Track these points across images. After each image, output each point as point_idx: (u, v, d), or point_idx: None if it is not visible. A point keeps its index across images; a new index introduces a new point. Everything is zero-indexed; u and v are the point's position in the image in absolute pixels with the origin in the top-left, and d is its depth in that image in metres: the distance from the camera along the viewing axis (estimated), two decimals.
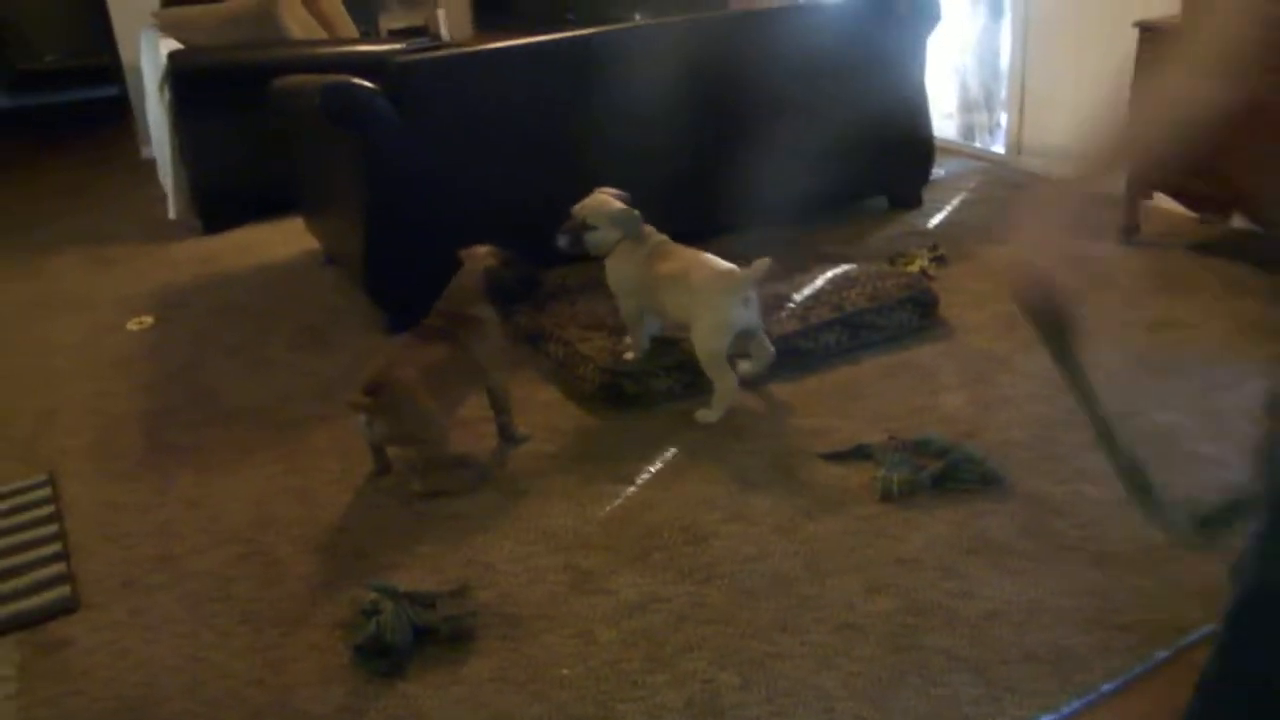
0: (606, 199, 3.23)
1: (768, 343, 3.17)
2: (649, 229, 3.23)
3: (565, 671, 2.18)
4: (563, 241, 3.20)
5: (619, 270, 3.24)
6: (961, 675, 2.08)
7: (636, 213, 3.21)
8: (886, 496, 2.64)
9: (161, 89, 5.19)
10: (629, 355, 3.29)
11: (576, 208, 3.23)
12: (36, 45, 13.24)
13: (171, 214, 5.48)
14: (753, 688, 2.09)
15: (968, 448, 2.75)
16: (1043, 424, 2.90)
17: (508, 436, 3.07)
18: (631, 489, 2.79)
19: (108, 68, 7.52)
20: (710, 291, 3.01)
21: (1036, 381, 3.11)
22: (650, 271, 3.16)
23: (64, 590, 2.58)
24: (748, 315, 3.05)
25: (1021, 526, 2.50)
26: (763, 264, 2.98)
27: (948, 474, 2.67)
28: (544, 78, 3.90)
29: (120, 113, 7.86)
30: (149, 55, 5.48)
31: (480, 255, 3.05)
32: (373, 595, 2.34)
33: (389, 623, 2.24)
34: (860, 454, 2.82)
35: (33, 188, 6.87)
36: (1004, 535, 2.48)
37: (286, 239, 5.08)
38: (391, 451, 2.96)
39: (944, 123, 5.62)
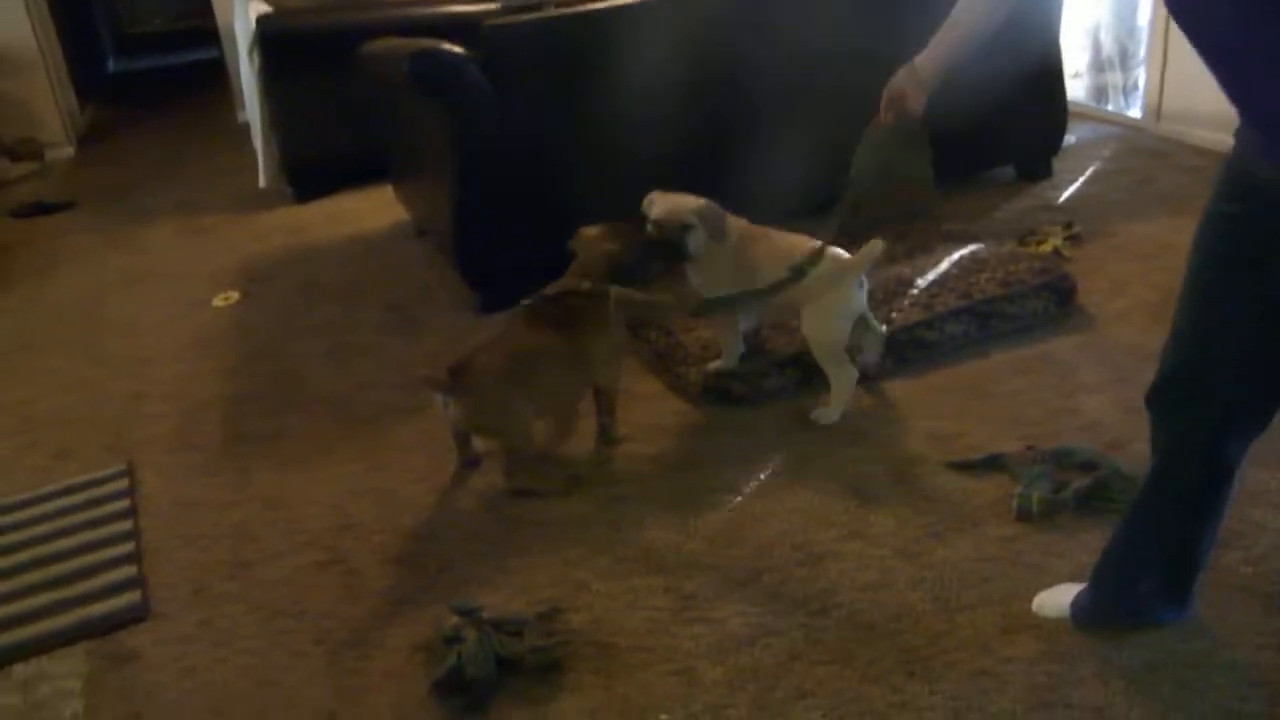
0: (678, 196, 2.86)
1: (877, 324, 2.91)
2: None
3: (664, 716, 1.95)
4: (656, 256, 2.85)
5: (712, 271, 2.88)
6: None
7: (714, 204, 2.86)
8: (1024, 516, 2.35)
9: (251, 54, 5.05)
10: (714, 365, 2.98)
11: (656, 214, 2.83)
12: (144, 9, 13.39)
13: (262, 182, 5.37)
14: None
15: (1117, 461, 2.44)
16: None
17: (607, 439, 2.84)
18: (739, 498, 2.55)
19: (211, 30, 7.45)
20: (827, 276, 2.74)
21: None
22: (746, 259, 2.85)
23: (134, 596, 2.44)
24: (864, 300, 2.79)
25: None
26: (877, 246, 2.72)
27: (1094, 492, 2.36)
28: (647, 40, 3.62)
29: (219, 76, 7.80)
30: (241, 18, 5.35)
31: (593, 239, 2.81)
32: (455, 619, 2.14)
33: (471, 654, 2.04)
34: (993, 464, 2.54)
35: (132, 153, 6.86)
36: None
37: (377, 209, 4.92)
38: (481, 444, 2.76)
39: (1072, 83, 5.19)
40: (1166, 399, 1.82)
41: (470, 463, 2.77)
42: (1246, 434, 1.75)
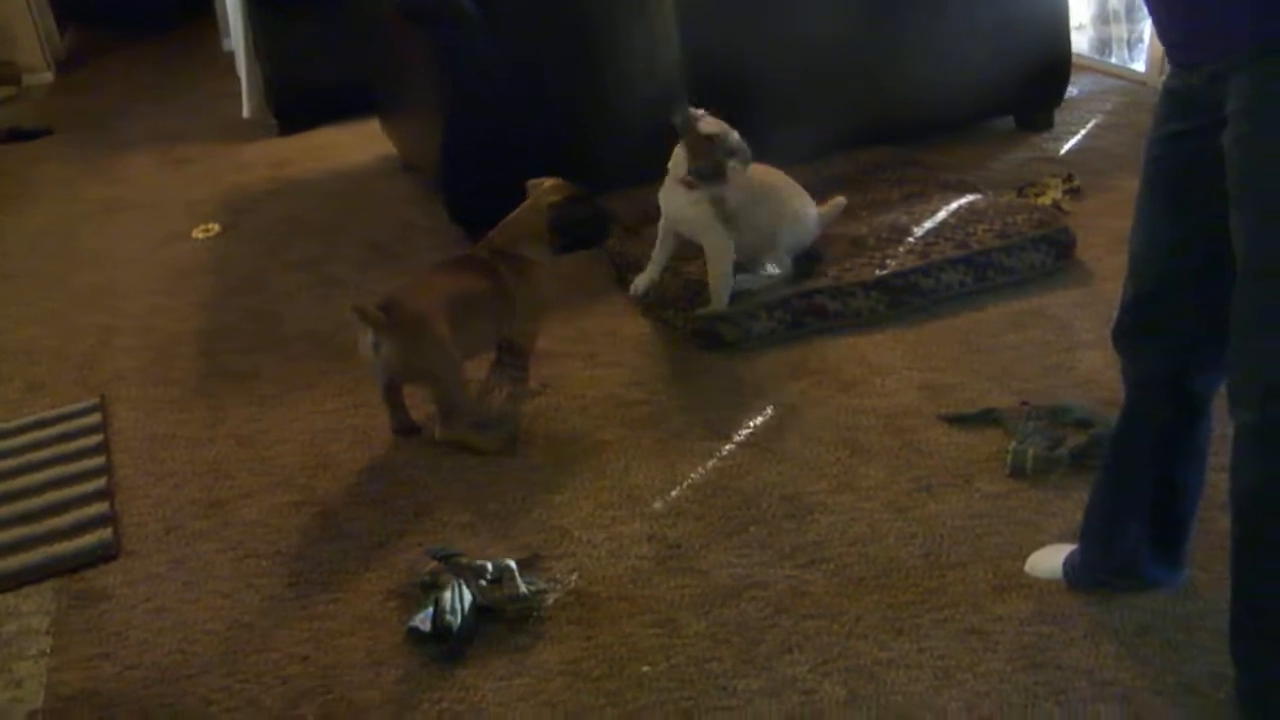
0: (717, 120, 2.88)
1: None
2: None
3: (646, 668, 1.90)
4: (705, 174, 2.83)
5: (738, 198, 2.90)
6: (1108, 706, 1.76)
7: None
8: (1017, 473, 2.30)
9: None
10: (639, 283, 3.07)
11: (709, 128, 2.84)
12: None
13: (245, 112, 5.23)
14: (860, 705, 1.80)
15: (1114, 420, 2.38)
16: None
17: (517, 390, 2.76)
18: (729, 446, 2.49)
19: None
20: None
21: None
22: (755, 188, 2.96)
23: (105, 534, 2.38)
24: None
25: None
26: (839, 204, 3.08)
27: (1090, 450, 2.30)
28: None
29: (206, 2, 7.60)
30: None
31: (546, 189, 2.73)
32: (432, 564, 2.09)
33: (449, 601, 1.98)
34: (987, 418, 2.48)
35: (112, 80, 6.69)
36: None
37: (363, 143, 4.81)
38: (416, 411, 2.65)
39: (1075, 35, 5.08)
40: (1129, 332, 1.81)
41: (407, 429, 2.62)
42: (1213, 367, 1.69)
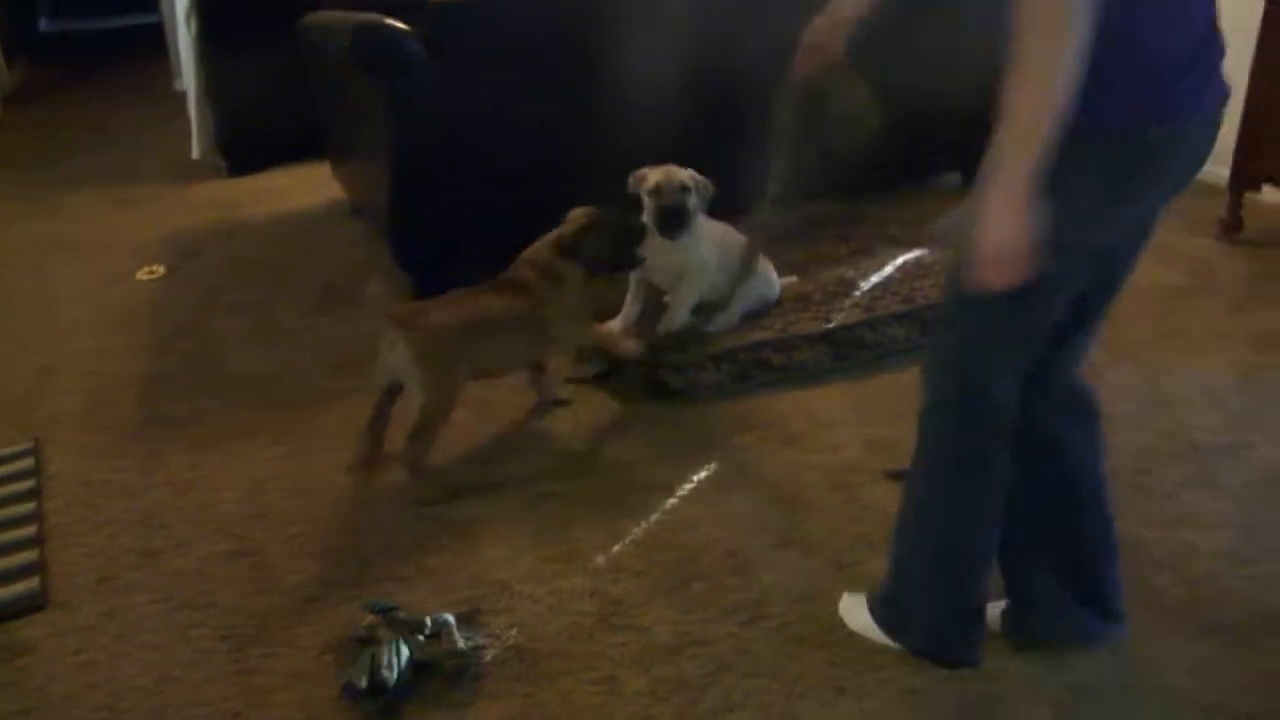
0: (667, 166, 3.00)
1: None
2: None
3: None
4: (668, 216, 2.95)
5: (709, 242, 3.05)
6: None
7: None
8: None
9: (189, 18, 4.88)
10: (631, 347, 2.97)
11: (655, 181, 2.98)
12: None
13: (195, 153, 5.20)
14: None
15: None
16: (1142, 454, 2.55)
17: (546, 398, 2.90)
18: (672, 500, 2.48)
19: None
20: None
21: (1135, 401, 2.76)
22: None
23: (33, 584, 2.31)
24: None
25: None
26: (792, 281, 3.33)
27: None
28: (595, 21, 3.51)
29: (158, 42, 7.56)
30: None
31: (575, 216, 2.79)
32: (370, 618, 2.05)
33: (385, 656, 1.95)
34: None
35: (61, 118, 6.63)
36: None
37: (312, 186, 4.79)
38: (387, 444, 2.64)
39: None
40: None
41: (369, 460, 2.60)
42: (1010, 372, 1.76)
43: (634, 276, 3.07)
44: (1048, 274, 1.55)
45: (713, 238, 3.05)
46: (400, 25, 3.30)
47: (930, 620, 1.93)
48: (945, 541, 1.87)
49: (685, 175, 2.97)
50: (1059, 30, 1.39)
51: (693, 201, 2.96)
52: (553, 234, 2.77)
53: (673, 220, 2.94)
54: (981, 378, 1.75)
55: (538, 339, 2.74)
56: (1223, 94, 1.60)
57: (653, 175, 2.97)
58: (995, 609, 2.02)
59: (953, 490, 1.84)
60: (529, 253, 2.76)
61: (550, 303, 2.69)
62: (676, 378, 2.86)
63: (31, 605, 2.26)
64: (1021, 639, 1.99)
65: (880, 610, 2.00)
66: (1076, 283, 1.70)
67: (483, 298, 2.66)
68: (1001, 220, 1.49)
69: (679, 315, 3.01)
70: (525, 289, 2.68)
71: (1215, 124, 1.62)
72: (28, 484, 2.68)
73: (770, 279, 3.15)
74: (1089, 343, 1.85)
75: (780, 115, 2.69)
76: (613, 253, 2.79)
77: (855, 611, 2.07)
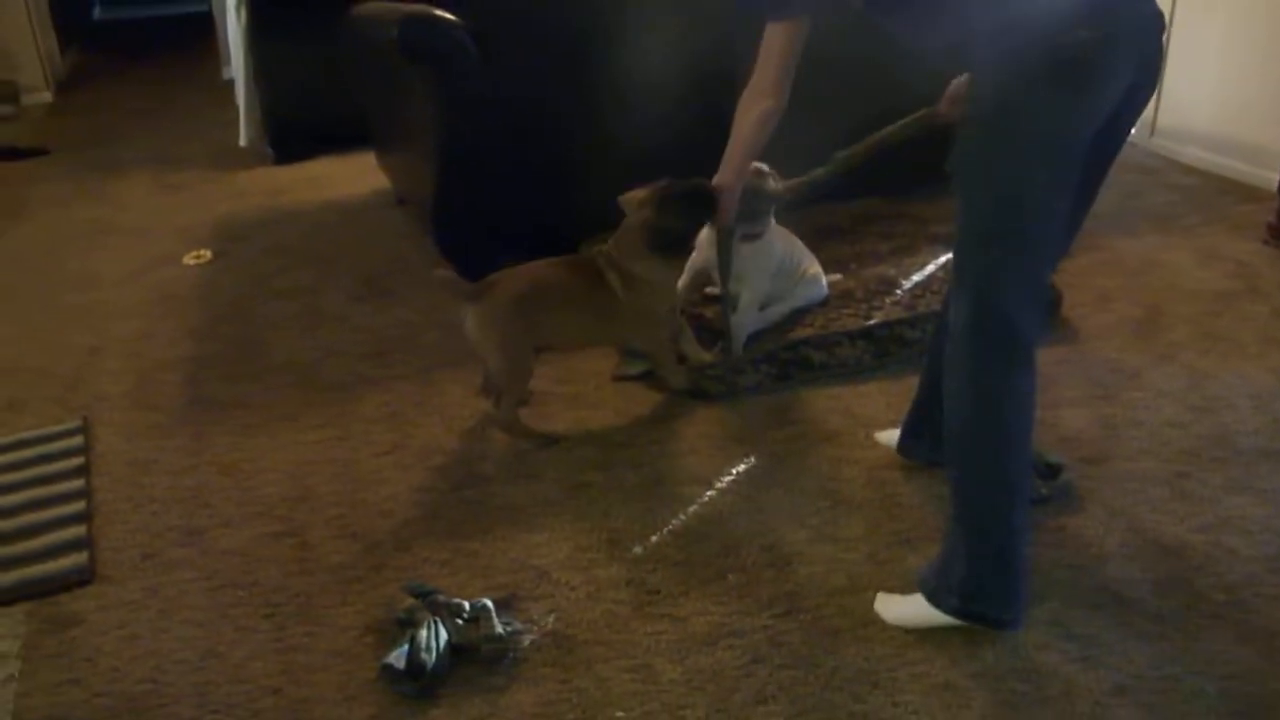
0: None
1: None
2: None
3: (620, 714, 1.89)
4: (743, 221, 2.75)
5: (773, 248, 2.96)
6: None
7: None
8: None
9: (239, 8, 4.94)
10: (706, 357, 2.91)
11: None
12: None
13: (242, 141, 5.26)
14: None
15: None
16: (1182, 456, 2.54)
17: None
18: (710, 493, 2.49)
19: None
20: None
21: (1173, 403, 2.74)
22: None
23: (80, 558, 2.36)
24: None
25: (1155, 581, 2.15)
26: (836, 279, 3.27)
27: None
28: (642, 13, 3.52)
29: (208, 30, 7.66)
30: None
31: (638, 201, 2.73)
32: (409, 601, 2.08)
33: (424, 639, 1.97)
34: None
35: (112, 104, 6.72)
36: (1134, 590, 2.13)
37: (358, 175, 4.83)
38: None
39: None
40: None
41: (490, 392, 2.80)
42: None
43: (694, 265, 2.97)
44: (1042, 181, 1.82)
45: (782, 238, 3.02)
46: (448, 16, 3.33)
47: (968, 574, 1.96)
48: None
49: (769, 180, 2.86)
50: None
51: (770, 183, 2.85)
52: (626, 229, 2.73)
53: (749, 210, 2.78)
54: (1005, 300, 1.92)
55: (606, 325, 2.79)
56: None
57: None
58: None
59: (986, 418, 2.03)
60: (617, 244, 2.73)
61: (629, 301, 2.72)
62: (715, 385, 2.87)
63: (80, 579, 2.31)
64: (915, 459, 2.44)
65: (930, 580, 2.03)
66: (1068, 182, 1.90)
67: (554, 269, 2.73)
68: None
69: (747, 321, 2.93)
70: (598, 274, 2.71)
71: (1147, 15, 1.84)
72: (76, 461, 2.73)
73: (820, 281, 3.13)
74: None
75: (895, 130, 2.67)
76: (684, 224, 2.71)
77: (891, 604, 2.07)
